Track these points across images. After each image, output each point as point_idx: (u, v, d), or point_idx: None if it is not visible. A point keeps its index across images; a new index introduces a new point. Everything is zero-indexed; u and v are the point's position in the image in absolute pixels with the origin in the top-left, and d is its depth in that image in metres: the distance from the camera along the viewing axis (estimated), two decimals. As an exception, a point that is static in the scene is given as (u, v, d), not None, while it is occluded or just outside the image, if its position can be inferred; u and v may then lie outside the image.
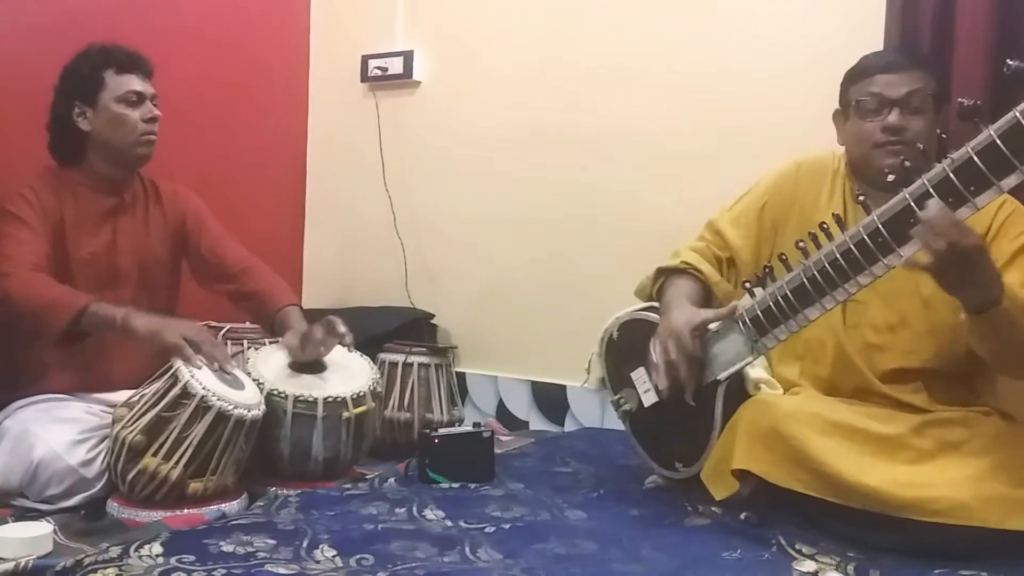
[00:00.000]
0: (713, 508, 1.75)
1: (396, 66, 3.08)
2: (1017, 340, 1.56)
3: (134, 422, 1.81)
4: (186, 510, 1.79)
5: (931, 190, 1.46)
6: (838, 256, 1.58)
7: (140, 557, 1.40)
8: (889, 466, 1.58)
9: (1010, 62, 1.38)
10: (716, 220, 2.00)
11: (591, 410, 2.74)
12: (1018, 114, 1.35)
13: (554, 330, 2.81)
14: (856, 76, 1.85)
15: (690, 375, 1.75)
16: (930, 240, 1.43)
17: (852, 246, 1.56)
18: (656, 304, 1.94)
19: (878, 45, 2.14)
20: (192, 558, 1.41)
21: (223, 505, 1.83)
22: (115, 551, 1.42)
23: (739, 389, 1.79)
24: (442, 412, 2.58)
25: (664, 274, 1.95)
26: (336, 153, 3.30)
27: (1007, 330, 1.54)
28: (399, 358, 2.59)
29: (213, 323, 2.44)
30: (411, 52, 3.06)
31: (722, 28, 2.55)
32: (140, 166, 2.15)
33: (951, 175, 1.43)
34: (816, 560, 1.52)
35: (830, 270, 1.60)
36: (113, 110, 2.05)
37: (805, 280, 1.64)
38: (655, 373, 1.82)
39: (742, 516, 1.69)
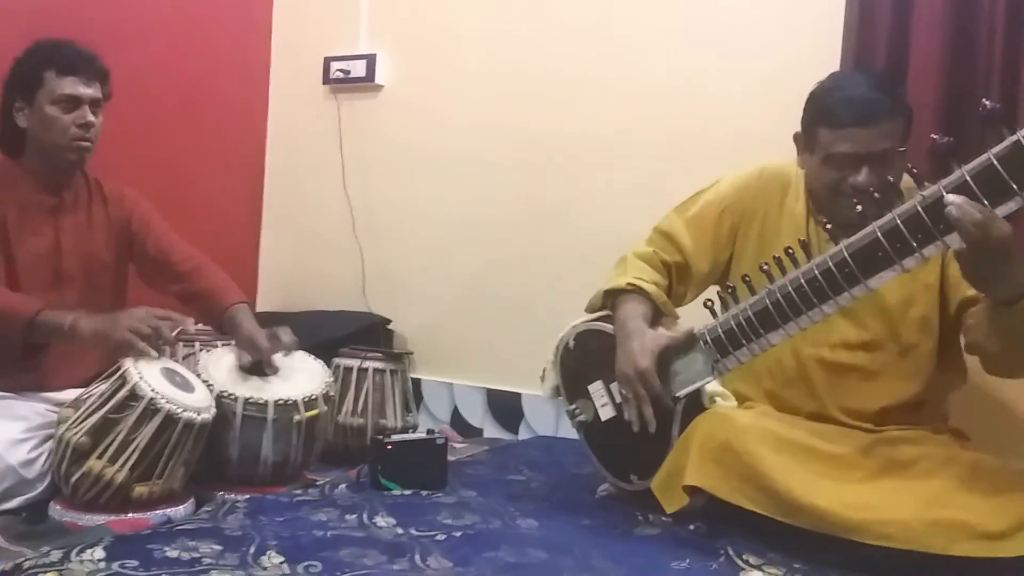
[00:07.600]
0: (663, 518, 1.76)
1: (359, 69, 3.07)
2: None
3: (79, 423, 1.77)
4: (131, 514, 1.76)
5: (900, 224, 1.43)
6: (803, 283, 1.57)
7: (82, 562, 1.38)
8: (838, 486, 1.59)
9: (986, 102, 1.33)
10: (670, 222, 1.97)
11: (546, 418, 2.74)
12: (992, 157, 1.33)
13: (511, 338, 2.81)
14: (825, 119, 1.71)
15: (656, 410, 1.77)
16: (966, 229, 1.36)
17: (818, 274, 1.55)
18: (611, 314, 1.94)
19: (835, 61, 2.17)
20: (135, 563, 1.39)
21: (169, 510, 1.80)
22: (56, 555, 1.40)
23: (695, 402, 1.80)
24: (396, 418, 2.57)
25: (613, 295, 1.94)
26: (296, 155, 3.27)
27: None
28: (354, 363, 2.57)
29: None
30: (374, 55, 3.05)
31: (685, 41, 2.58)
32: (73, 170, 2.09)
33: (921, 211, 1.41)
34: (763, 571, 1.54)
35: (795, 296, 1.59)
36: (46, 111, 1.99)
37: (769, 304, 1.63)
38: (625, 409, 1.82)
39: (691, 527, 1.70)
